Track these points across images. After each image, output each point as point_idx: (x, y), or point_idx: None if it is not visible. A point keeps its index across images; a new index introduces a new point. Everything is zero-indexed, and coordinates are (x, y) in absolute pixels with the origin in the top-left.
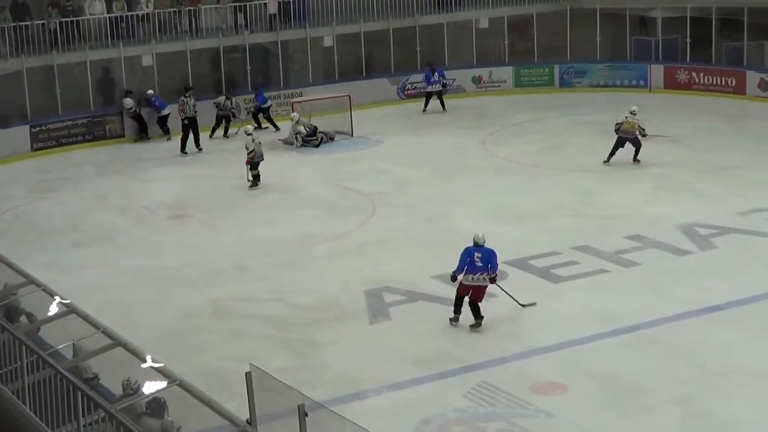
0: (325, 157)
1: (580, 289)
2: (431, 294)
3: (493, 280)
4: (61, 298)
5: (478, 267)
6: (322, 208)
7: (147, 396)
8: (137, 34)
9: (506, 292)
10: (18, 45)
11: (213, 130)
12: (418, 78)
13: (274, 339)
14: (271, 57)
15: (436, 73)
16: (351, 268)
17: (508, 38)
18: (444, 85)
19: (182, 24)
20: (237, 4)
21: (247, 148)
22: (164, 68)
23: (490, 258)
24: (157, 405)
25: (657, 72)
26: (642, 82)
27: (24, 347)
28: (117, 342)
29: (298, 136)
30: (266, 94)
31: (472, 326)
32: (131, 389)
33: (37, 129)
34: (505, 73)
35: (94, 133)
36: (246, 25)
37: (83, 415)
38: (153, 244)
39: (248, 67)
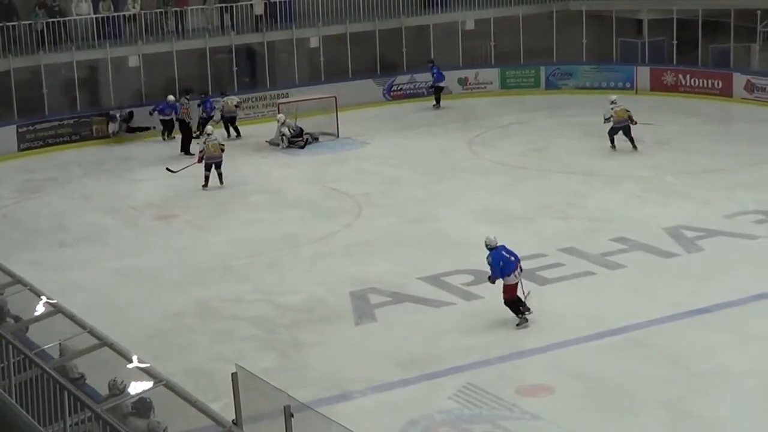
0: (311, 159)
1: (566, 291)
2: (417, 295)
3: (493, 282)
4: (48, 298)
5: (513, 263)
6: (307, 209)
7: (133, 396)
8: (124, 35)
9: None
10: (5, 45)
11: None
12: (404, 79)
13: (261, 339)
14: (258, 58)
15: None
16: (337, 269)
17: (494, 39)
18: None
19: (169, 25)
20: (223, 5)
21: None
22: (151, 69)
23: (512, 251)
24: (143, 405)
25: (643, 74)
26: (628, 84)
27: (11, 347)
28: (103, 342)
29: (283, 137)
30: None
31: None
32: (117, 389)
33: (24, 129)
34: (492, 74)
35: (80, 133)
36: (232, 26)
37: (70, 415)
38: (139, 244)
39: (234, 68)
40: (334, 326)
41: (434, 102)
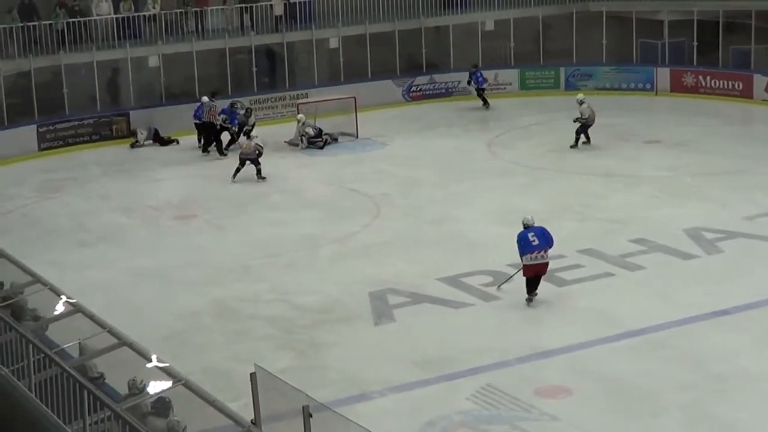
0: (330, 159)
1: (585, 293)
2: (435, 296)
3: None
4: (68, 297)
5: (535, 246)
6: (326, 210)
7: (152, 395)
8: (144, 35)
9: (511, 276)
10: (25, 45)
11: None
12: (423, 80)
13: (279, 340)
14: (277, 58)
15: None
16: (355, 270)
17: (513, 40)
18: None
19: (188, 25)
20: (243, 5)
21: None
22: (170, 69)
23: (544, 234)
24: (162, 404)
25: (663, 75)
26: (648, 85)
27: (31, 346)
28: (123, 341)
29: (303, 137)
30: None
31: (529, 299)
32: (137, 389)
33: (44, 129)
34: (511, 75)
35: (100, 133)
36: (252, 26)
37: (89, 414)
38: (158, 244)
39: (254, 69)
40: (353, 326)
41: (483, 103)
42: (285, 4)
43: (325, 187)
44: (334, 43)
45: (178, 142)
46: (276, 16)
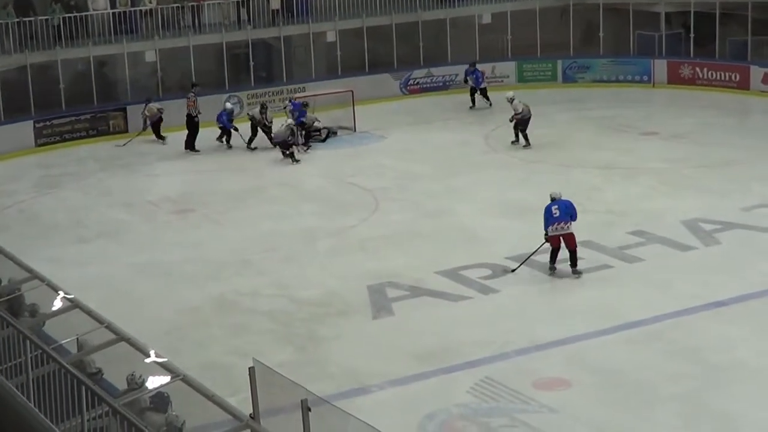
0: (328, 153)
1: (583, 285)
2: (434, 289)
3: (547, 240)
4: (65, 293)
5: (556, 218)
6: (325, 203)
7: (151, 391)
8: (140, 30)
9: (530, 255)
10: (22, 40)
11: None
12: (420, 73)
13: (278, 334)
14: (274, 52)
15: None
16: (354, 263)
17: (511, 33)
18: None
19: (185, 20)
20: None
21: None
22: (167, 64)
23: (567, 208)
24: (160, 400)
25: (660, 67)
26: (645, 77)
27: (28, 342)
28: (121, 337)
29: (319, 130)
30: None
31: (574, 273)
32: (135, 384)
33: (41, 124)
34: (509, 68)
35: (97, 128)
36: (249, 20)
37: (87, 410)
38: (157, 239)
39: (251, 63)
40: (352, 320)
41: (486, 101)
42: None
43: (323, 181)
44: (331, 37)
45: (164, 142)
46: (273, 10)
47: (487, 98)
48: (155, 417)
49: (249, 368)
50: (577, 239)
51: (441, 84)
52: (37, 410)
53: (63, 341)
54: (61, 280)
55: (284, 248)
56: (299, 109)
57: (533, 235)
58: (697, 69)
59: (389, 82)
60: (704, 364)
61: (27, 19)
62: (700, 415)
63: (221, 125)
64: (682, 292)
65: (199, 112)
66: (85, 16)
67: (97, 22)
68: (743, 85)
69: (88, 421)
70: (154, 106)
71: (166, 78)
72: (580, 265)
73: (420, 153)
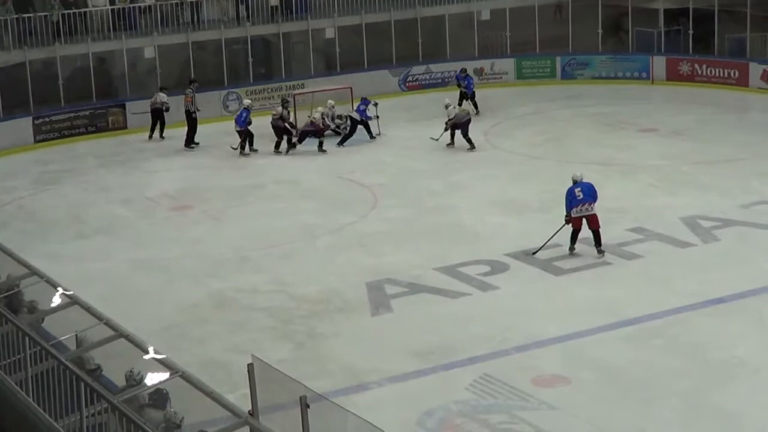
0: (327, 149)
1: (582, 282)
2: (433, 286)
3: (567, 221)
4: (64, 290)
5: (579, 200)
6: (324, 200)
7: (150, 387)
8: (139, 26)
9: (550, 237)
10: (21, 37)
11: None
12: (419, 70)
13: (277, 330)
14: (273, 49)
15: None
16: (353, 260)
17: (509, 29)
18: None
19: (184, 16)
20: None
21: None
22: (166, 60)
23: (590, 189)
24: (159, 396)
25: (659, 64)
26: (644, 74)
27: (27, 338)
28: (120, 333)
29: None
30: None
31: (599, 252)
32: (134, 380)
33: (40, 121)
34: (507, 64)
35: (96, 124)
36: (247, 16)
37: (86, 406)
38: (156, 235)
39: (250, 59)
40: (351, 317)
41: (475, 108)
42: None
43: (322, 178)
44: (330, 33)
45: (162, 138)
46: (271, 7)
47: (476, 105)
48: (154, 413)
49: (248, 365)
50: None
51: (440, 81)
52: (36, 405)
53: (62, 338)
54: (59, 276)
55: (283, 245)
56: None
57: (532, 231)
58: (696, 66)
59: (388, 78)
60: (703, 361)
61: (26, 15)
62: (699, 412)
63: (241, 128)
64: (682, 289)
65: (198, 109)
66: (84, 12)
67: (96, 18)
68: (742, 82)
69: (87, 417)
70: (162, 96)
71: (165, 74)
72: (579, 261)
73: (419, 149)
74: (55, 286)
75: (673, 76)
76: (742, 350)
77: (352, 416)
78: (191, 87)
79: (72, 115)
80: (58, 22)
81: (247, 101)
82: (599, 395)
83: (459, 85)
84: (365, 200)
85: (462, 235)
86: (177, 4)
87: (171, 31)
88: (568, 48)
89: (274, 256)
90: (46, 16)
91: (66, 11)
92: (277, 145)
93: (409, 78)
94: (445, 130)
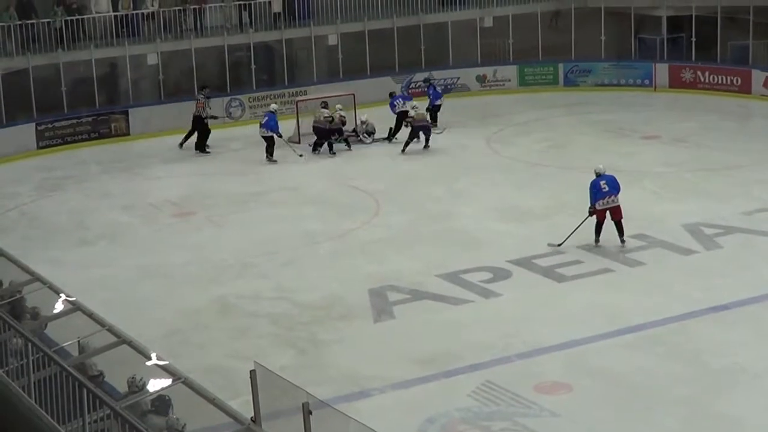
0: (330, 156)
1: (585, 289)
2: (435, 293)
3: (591, 213)
4: (67, 296)
5: (605, 192)
6: (326, 206)
7: (152, 393)
8: (142, 33)
9: (575, 229)
10: (24, 43)
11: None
12: (422, 76)
13: (279, 337)
14: (276, 55)
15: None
16: (355, 267)
17: (512, 36)
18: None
19: (187, 22)
20: (241, 2)
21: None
22: (169, 67)
23: (613, 182)
24: (162, 403)
25: (662, 71)
26: (647, 81)
27: (30, 344)
28: (122, 339)
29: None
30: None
31: (622, 242)
32: (136, 387)
33: (43, 127)
34: (510, 71)
35: (99, 131)
36: (251, 23)
37: (89, 412)
38: (158, 241)
39: (253, 66)
40: (353, 324)
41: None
42: (283, 1)
43: (324, 184)
44: (332, 40)
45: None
46: (274, 13)
47: (436, 119)
48: (156, 420)
49: (250, 371)
50: (579, 243)
51: (442, 87)
52: (40, 409)
53: (64, 344)
54: (62, 282)
55: (286, 251)
56: (407, 100)
57: (534, 239)
58: (699, 73)
59: (391, 85)
60: (705, 368)
61: (29, 21)
62: (700, 419)
63: (270, 133)
64: (684, 296)
65: (214, 117)
66: (87, 18)
67: (99, 24)
68: (745, 89)
69: (89, 423)
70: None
71: (168, 81)
72: (582, 268)
73: (421, 156)
74: (57, 292)
75: (676, 83)
76: (744, 357)
77: (354, 423)
78: (203, 92)
79: (75, 121)
80: (61, 28)
81: (274, 106)
82: (601, 402)
83: (429, 95)
84: (368, 207)
85: (464, 242)
86: (180, 10)
87: (174, 37)
88: (571, 55)
89: (276, 263)
90: (49, 22)
91: (69, 17)
92: (316, 146)
93: (412, 84)
94: (405, 125)
